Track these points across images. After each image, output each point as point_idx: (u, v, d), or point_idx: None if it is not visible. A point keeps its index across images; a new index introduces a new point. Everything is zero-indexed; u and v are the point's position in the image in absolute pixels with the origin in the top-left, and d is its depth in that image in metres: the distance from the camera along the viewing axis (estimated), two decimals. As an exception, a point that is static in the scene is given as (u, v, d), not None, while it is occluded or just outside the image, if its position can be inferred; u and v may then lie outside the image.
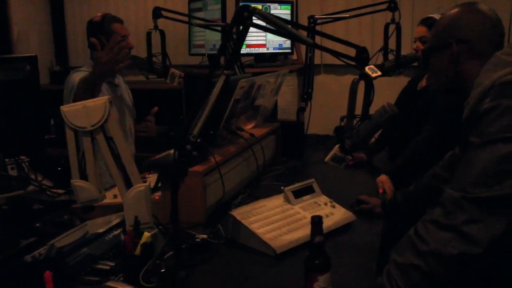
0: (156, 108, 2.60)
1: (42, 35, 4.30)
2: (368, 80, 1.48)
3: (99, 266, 1.28)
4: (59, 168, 2.95)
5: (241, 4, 3.11)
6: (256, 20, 1.29)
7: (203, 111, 1.24)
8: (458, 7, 1.32)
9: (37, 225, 1.53)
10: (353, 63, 1.43)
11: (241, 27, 1.28)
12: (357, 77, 1.50)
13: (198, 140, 1.27)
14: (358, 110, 1.52)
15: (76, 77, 2.27)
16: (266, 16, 1.28)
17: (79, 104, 1.28)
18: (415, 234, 1.13)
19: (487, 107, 1.11)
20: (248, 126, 2.31)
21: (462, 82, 1.30)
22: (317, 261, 1.08)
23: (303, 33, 1.68)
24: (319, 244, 1.08)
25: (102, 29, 2.36)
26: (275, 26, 1.32)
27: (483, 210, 1.06)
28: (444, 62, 1.32)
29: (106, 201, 1.52)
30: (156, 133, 2.62)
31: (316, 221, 1.07)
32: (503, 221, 1.06)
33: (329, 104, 3.67)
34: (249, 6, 1.23)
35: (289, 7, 3.36)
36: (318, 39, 2.23)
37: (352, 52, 1.43)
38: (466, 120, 1.19)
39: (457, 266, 1.07)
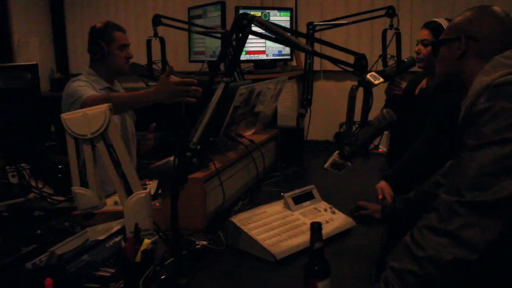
0: (154, 124, 2.60)
1: (43, 42, 4.32)
2: (370, 87, 1.49)
3: (100, 273, 1.28)
4: (59, 175, 2.96)
5: (240, 11, 3.15)
6: (255, 27, 1.31)
7: (202, 118, 1.25)
8: (474, 9, 1.34)
9: (38, 232, 1.54)
10: (351, 69, 1.44)
11: (239, 35, 1.29)
12: (356, 83, 1.51)
13: (198, 147, 1.27)
14: (357, 117, 1.53)
15: (78, 87, 2.27)
16: (264, 23, 1.29)
17: (80, 112, 1.30)
18: (411, 239, 1.13)
19: (481, 108, 1.11)
20: (248, 133, 2.31)
21: (462, 80, 1.30)
22: (316, 267, 1.08)
23: (302, 41, 1.69)
24: (319, 250, 1.08)
25: (104, 36, 2.38)
26: (274, 33, 1.33)
27: (478, 214, 1.06)
28: (450, 55, 1.33)
29: (106, 208, 1.53)
30: (153, 144, 2.63)
31: (316, 227, 1.07)
32: (498, 225, 1.05)
33: (329, 110, 3.68)
34: (248, 14, 1.24)
35: (288, 13, 3.38)
36: (317, 46, 2.25)
37: (351, 58, 1.44)
38: (462, 120, 1.20)
39: (453, 271, 1.07)
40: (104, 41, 2.37)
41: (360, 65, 1.42)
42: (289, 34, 1.33)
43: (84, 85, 2.30)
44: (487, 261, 1.06)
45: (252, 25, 1.27)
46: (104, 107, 1.28)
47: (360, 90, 1.50)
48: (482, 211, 1.06)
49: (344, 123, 2.75)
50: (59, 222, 1.62)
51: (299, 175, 2.47)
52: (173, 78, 1.99)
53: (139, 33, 4.06)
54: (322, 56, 1.37)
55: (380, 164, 2.60)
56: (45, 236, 1.50)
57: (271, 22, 1.33)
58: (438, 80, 1.41)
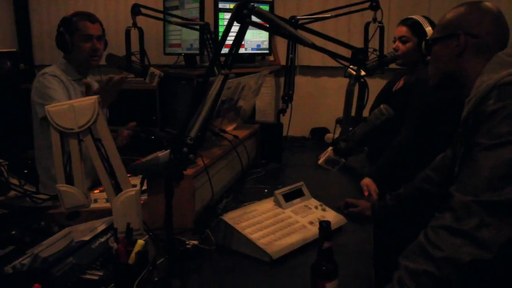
0: (134, 123, 2.55)
1: (5, 31, 4.08)
2: (355, 80, 1.46)
3: (87, 276, 1.21)
4: (25, 171, 2.81)
5: (220, 3, 3.07)
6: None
7: (200, 112, 1.19)
8: (466, 4, 1.33)
9: (13, 232, 1.43)
10: (347, 64, 1.41)
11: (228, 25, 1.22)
12: (337, 78, 1.49)
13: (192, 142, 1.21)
14: (340, 113, 1.49)
15: (49, 85, 2.17)
16: (264, 14, 1.24)
17: (66, 104, 1.20)
18: (426, 240, 1.11)
19: (494, 108, 1.11)
20: (229, 128, 2.26)
21: (461, 78, 1.30)
22: (324, 268, 1.05)
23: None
24: (327, 250, 1.04)
25: (67, 26, 2.28)
26: (273, 25, 1.28)
27: (494, 214, 1.05)
28: (448, 53, 1.31)
29: (88, 206, 1.44)
30: (126, 142, 2.52)
31: (324, 227, 1.03)
32: None
33: (305, 105, 3.65)
34: (249, 3, 1.19)
35: (267, 7, 3.32)
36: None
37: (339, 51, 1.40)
38: (467, 119, 1.19)
39: (470, 271, 1.06)
40: (68, 31, 2.27)
41: (357, 59, 1.39)
42: (288, 26, 1.28)
43: (55, 85, 2.19)
44: (503, 262, 1.06)
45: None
46: (93, 98, 1.20)
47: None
48: (498, 210, 1.06)
49: (339, 119, 2.72)
50: (36, 221, 1.52)
51: (280, 172, 2.44)
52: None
53: (109, 23, 3.90)
54: (321, 50, 1.33)
55: (361, 162, 2.58)
56: (21, 237, 1.40)
57: (272, 14, 1.28)
58: (434, 80, 1.39)
